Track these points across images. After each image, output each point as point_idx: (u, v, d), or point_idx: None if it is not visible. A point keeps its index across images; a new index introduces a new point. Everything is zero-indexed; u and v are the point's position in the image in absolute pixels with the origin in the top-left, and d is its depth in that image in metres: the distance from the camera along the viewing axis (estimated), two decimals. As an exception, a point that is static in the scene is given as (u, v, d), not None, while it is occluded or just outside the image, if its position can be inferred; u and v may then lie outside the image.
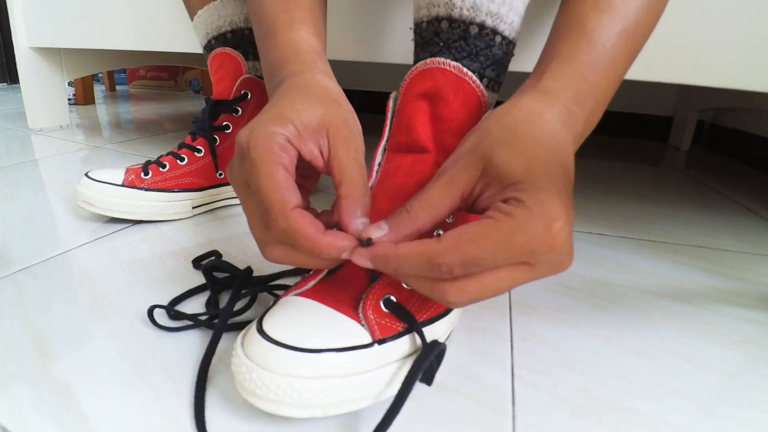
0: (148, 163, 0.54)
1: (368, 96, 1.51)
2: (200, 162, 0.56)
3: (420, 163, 0.33)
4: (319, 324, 0.26)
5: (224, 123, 0.56)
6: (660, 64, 0.47)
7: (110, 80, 1.87)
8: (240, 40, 0.57)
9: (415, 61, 0.34)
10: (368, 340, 0.26)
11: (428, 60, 0.33)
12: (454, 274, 0.22)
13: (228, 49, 0.56)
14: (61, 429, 0.25)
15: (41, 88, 1.00)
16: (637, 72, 0.48)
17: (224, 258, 0.46)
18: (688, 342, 0.35)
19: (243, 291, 0.36)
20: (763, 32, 0.44)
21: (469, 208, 0.26)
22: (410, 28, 0.37)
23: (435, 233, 0.30)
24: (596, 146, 1.18)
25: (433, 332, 0.29)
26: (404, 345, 0.27)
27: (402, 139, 0.33)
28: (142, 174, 0.52)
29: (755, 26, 0.44)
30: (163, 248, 0.47)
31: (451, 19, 0.32)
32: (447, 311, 0.31)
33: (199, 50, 0.65)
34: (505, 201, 0.23)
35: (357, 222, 0.25)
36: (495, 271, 0.23)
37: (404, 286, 0.28)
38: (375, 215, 0.33)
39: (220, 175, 0.57)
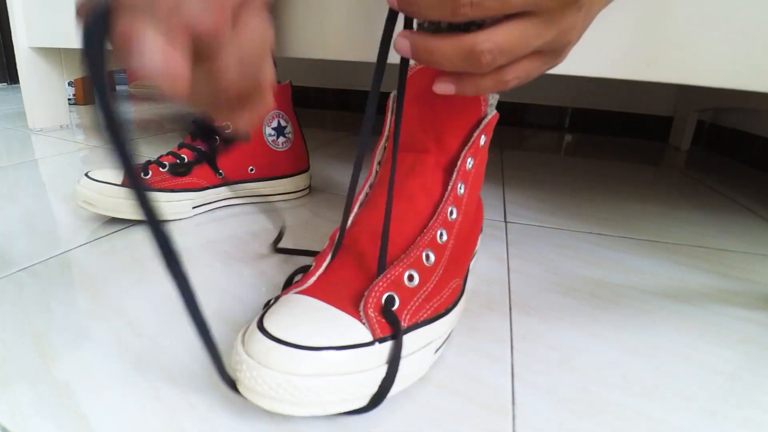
0: (148, 163, 0.54)
1: (367, 96, 1.51)
2: (200, 162, 0.56)
3: (420, 162, 0.33)
4: (320, 322, 0.26)
5: (225, 123, 0.56)
6: (660, 64, 0.47)
7: (110, 80, 1.86)
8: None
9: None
10: (369, 338, 0.26)
11: None
12: (491, 62, 0.24)
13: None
14: (61, 429, 0.25)
15: (41, 88, 1.00)
16: (637, 72, 0.48)
17: (224, 258, 0.46)
18: (688, 342, 0.35)
19: None
20: (763, 32, 0.44)
21: None
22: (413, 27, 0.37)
23: None
24: (596, 146, 1.18)
25: (433, 332, 0.29)
26: (405, 344, 0.27)
27: (402, 138, 0.33)
28: (142, 174, 0.52)
29: (755, 26, 0.44)
30: (163, 248, 0.47)
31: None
32: (447, 311, 0.31)
33: (199, 50, 0.65)
34: None
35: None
36: (523, 57, 0.25)
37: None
38: (375, 215, 0.33)
39: (220, 175, 0.57)
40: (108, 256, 0.45)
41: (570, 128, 1.42)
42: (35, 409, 0.26)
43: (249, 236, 0.51)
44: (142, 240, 0.49)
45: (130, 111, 1.38)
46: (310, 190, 0.68)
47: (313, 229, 0.54)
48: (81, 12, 0.19)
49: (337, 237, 0.32)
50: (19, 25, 0.92)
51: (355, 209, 0.35)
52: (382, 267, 0.29)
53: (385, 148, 0.35)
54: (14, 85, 1.89)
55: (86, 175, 0.52)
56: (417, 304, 0.29)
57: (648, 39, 0.47)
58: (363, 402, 0.25)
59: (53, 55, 1.00)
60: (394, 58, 0.58)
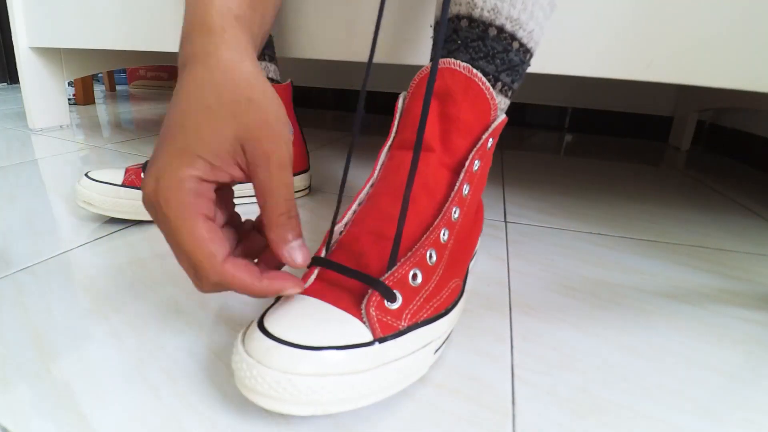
0: (148, 163, 0.54)
1: (368, 96, 1.51)
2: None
3: (423, 161, 0.33)
4: (321, 321, 0.26)
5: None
6: (660, 64, 0.47)
7: (110, 80, 1.87)
8: (240, 40, 0.57)
9: (431, 59, 0.35)
10: (369, 338, 0.26)
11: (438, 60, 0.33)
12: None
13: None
14: (61, 429, 0.25)
15: (41, 88, 1.00)
16: (637, 72, 0.48)
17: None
18: (688, 342, 0.35)
19: None
20: (763, 32, 0.44)
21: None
22: (430, 26, 0.37)
23: None
24: (596, 146, 1.18)
25: (433, 332, 0.29)
26: (405, 344, 0.27)
27: (407, 136, 0.34)
28: (142, 174, 0.52)
29: (755, 26, 0.44)
30: (163, 248, 0.47)
31: (471, 18, 0.32)
32: (447, 311, 0.31)
33: (199, 50, 0.65)
34: None
35: (288, 249, 0.26)
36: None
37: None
38: (377, 213, 0.33)
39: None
40: (108, 256, 0.45)
41: (570, 128, 1.42)
42: (35, 409, 0.26)
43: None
44: (142, 240, 0.49)
45: (130, 111, 1.38)
46: (310, 190, 0.68)
47: (313, 229, 0.54)
48: None
49: (327, 235, 0.32)
50: (19, 25, 0.92)
51: (354, 207, 0.34)
52: (392, 263, 0.28)
53: (390, 148, 0.35)
54: (14, 85, 1.89)
55: (86, 175, 0.52)
56: (418, 303, 0.29)
57: (648, 39, 0.47)
58: (363, 402, 0.25)
59: (53, 55, 1.00)
60: (394, 57, 0.58)
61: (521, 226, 0.58)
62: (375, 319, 0.26)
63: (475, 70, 0.32)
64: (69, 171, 0.73)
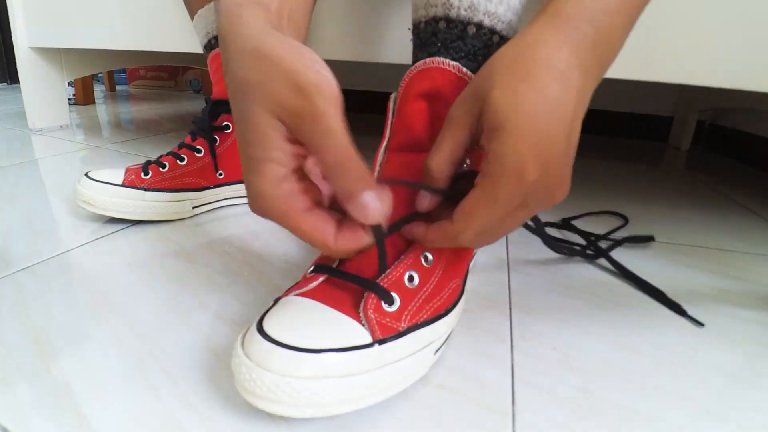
0: (148, 163, 0.54)
1: (368, 96, 1.51)
2: (200, 162, 0.56)
3: (417, 162, 0.33)
4: (320, 324, 0.26)
5: (224, 123, 0.56)
6: (660, 64, 0.47)
7: (110, 80, 1.86)
8: (240, 40, 0.57)
9: (414, 61, 0.34)
10: (368, 340, 0.26)
11: (427, 60, 0.33)
12: (474, 243, 0.28)
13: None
14: (61, 429, 0.25)
15: (41, 88, 1.00)
16: (637, 72, 0.48)
17: (224, 258, 0.46)
18: (689, 342, 0.35)
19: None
20: (763, 32, 0.44)
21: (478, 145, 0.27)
22: (408, 29, 0.37)
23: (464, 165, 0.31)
24: (596, 146, 1.18)
25: (433, 333, 0.29)
26: (405, 345, 0.27)
27: (402, 138, 0.33)
28: (142, 174, 0.52)
29: (755, 26, 0.44)
30: (163, 248, 0.47)
31: (448, 20, 0.32)
32: (447, 311, 0.31)
33: (199, 50, 0.65)
34: (488, 153, 0.25)
35: (355, 204, 0.24)
36: (501, 224, 0.27)
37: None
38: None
39: (220, 175, 0.57)
40: (108, 256, 0.45)
41: (570, 128, 1.42)
42: (35, 409, 0.26)
43: (249, 236, 0.51)
44: (142, 240, 0.49)
45: (130, 111, 1.38)
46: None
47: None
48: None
49: None
50: (19, 25, 0.92)
51: None
52: (383, 267, 0.28)
53: (386, 150, 0.35)
54: (14, 85, 1.89)
55: (86, 175, 0.52)
56: (417, 305, 0.29)
57: (648, 39, 0.47)
58: (363, 403, 0.25)
59: (53, 55, 1.00)
60: (393, 57, 0.58)
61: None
62: (374, 321, 0.26)
63: (464, 69, 0.32)
64: (69, 171, 0.73)
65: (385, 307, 0.27)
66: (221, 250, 0.47)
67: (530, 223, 0.42)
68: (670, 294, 0.41)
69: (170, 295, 0.38)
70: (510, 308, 0.39)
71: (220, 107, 0.56)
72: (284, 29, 0.30)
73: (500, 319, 0.37)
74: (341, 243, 0.26)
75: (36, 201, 0.59)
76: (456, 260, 0.33)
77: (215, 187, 0.57)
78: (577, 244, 0.49)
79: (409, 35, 0.37)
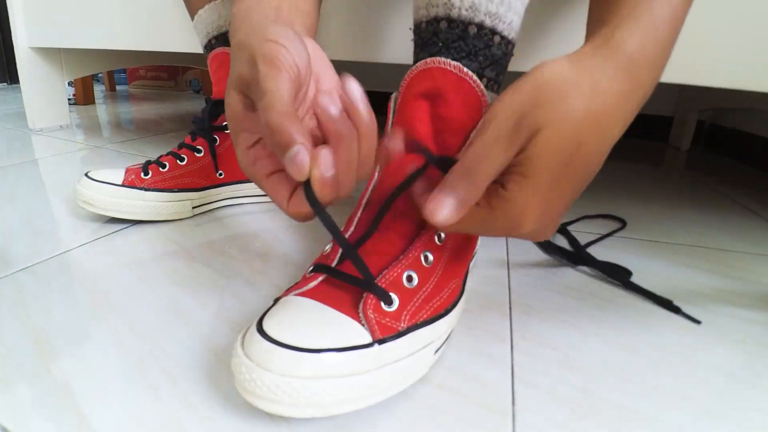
0: (148, 163, 0.54)
1: (369, 96, 1.50)
2: (200, 162, 0.56)
3: (416, 162, 0.33)
4: (319, 324, 0.26)
5: (224, 123, 0.56)
6: (660, 64, 0.47)
7: (110, 80, 1.87)
8: (240, 40, 0.57)
9: (415, 61, 0.34)
10: (368, 339, 0.26)
11: (428, 59, 0.33)
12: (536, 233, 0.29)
13: (228, 49, 0.56)
14: (61, 429, 0.25)
15: (41, 88, 1.00)
16: (637, 72, 0.48)
17: (224, 258, 0.46)
18: (688, 342, 0.35)
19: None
20: (763, 32, 0.44)
21: None
22: (410, 29, 0.37)
23: None
24: (596, 146, 1.18)
25: (433, 332, 0.29)
26: (405, 345, 0.27)
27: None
28: (142, 174, 0.52)
29: (755, 26, 0.44)
30: (163, 248, 0.47)
31: (449, 20, 0.32)
32: (447, 311, 0.31)
33: (199, 50, 0.65)
34: (507, 179, 0.26)
35: (289, 155, 0.23)
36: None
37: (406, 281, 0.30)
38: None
39: (220, 175, 0.57)
40: (108, 256, 0.45)
41: (570, 128, 1.42)
42: (35, 409, 0.26)
43: (249, 236, 0.51)
44: (142, 240, 0.49)
45: (130, 111, 1.38)
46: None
47: (313, 229, 0.54)
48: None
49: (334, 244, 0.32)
50: (19, 25, 0.92)
51: (359, 213, 0.34)
52: (334, 232, 0.27)
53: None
54: (14, 85, 1.89)
55: (86, 175, 0.52)
56: (416, 305, 0.29)
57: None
58: (363, 403, 0.25)
59: (53, 55, 1.00)
60: (393, 57, 0.58)
61: (521, 226, 0.58)
62: (373, 321, 0.26)
63: (465, 69, 0.32)
64: (69, 171, 0.73)
65: (384, 307, 0.27)
66: (221, 250, 0.47)
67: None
68: (671, 293, 0.41)
69: (170, 295, 0.38)
70: (510, 308, 0.39)
71: (220, 107, 0.56)
72: (284, 17, 0.33)
73: (500, 319, 0.37)
74: (291, 206, 0.27)
75: (36, 201, 0.59)
76: (456, 260, 0.33)
77: (215, 187, 0.57)
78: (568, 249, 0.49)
79: (410, 35, 0.37)
